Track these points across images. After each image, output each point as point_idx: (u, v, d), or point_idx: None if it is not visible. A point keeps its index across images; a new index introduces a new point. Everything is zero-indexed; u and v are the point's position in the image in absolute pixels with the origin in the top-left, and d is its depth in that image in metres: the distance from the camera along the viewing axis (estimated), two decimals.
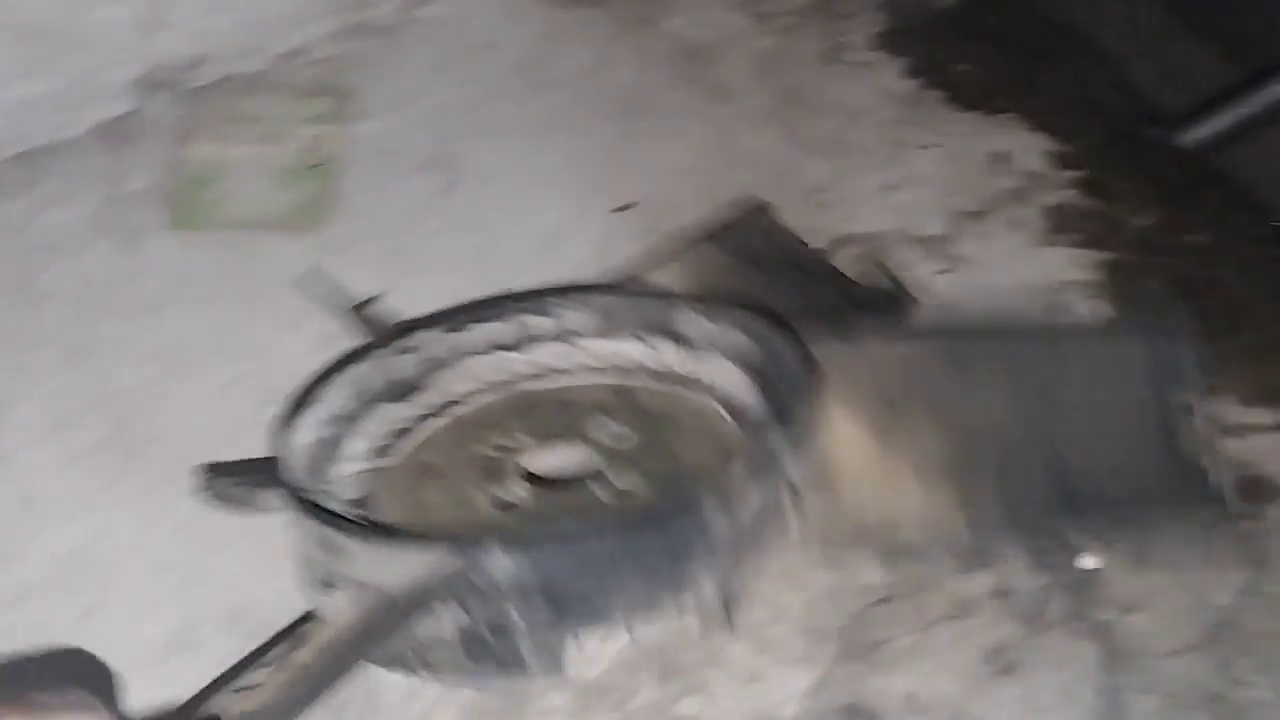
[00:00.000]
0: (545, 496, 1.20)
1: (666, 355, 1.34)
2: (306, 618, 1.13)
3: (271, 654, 1.08)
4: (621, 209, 1.56)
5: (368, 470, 1.26)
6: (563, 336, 1.36)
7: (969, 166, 1.61)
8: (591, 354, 1.36)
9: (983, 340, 1.32)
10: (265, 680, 0.99)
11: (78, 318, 1.47)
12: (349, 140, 1.63)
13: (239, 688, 1.04)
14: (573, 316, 1.35)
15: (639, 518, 1.12)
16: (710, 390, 1.31)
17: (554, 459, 1.26)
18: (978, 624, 1.23)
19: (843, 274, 1.49)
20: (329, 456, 1.24)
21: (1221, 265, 1.49)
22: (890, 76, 1.77)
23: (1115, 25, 1.70)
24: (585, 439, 1.27)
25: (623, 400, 1.33)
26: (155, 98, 1.64)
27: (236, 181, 1.58)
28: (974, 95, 1.71)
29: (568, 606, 1.01)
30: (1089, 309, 1.45)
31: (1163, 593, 1.24)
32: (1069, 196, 1.56)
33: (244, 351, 1.43)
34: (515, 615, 1.00)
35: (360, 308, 1.43)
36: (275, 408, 1.27)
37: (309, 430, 1.23)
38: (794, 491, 1.13)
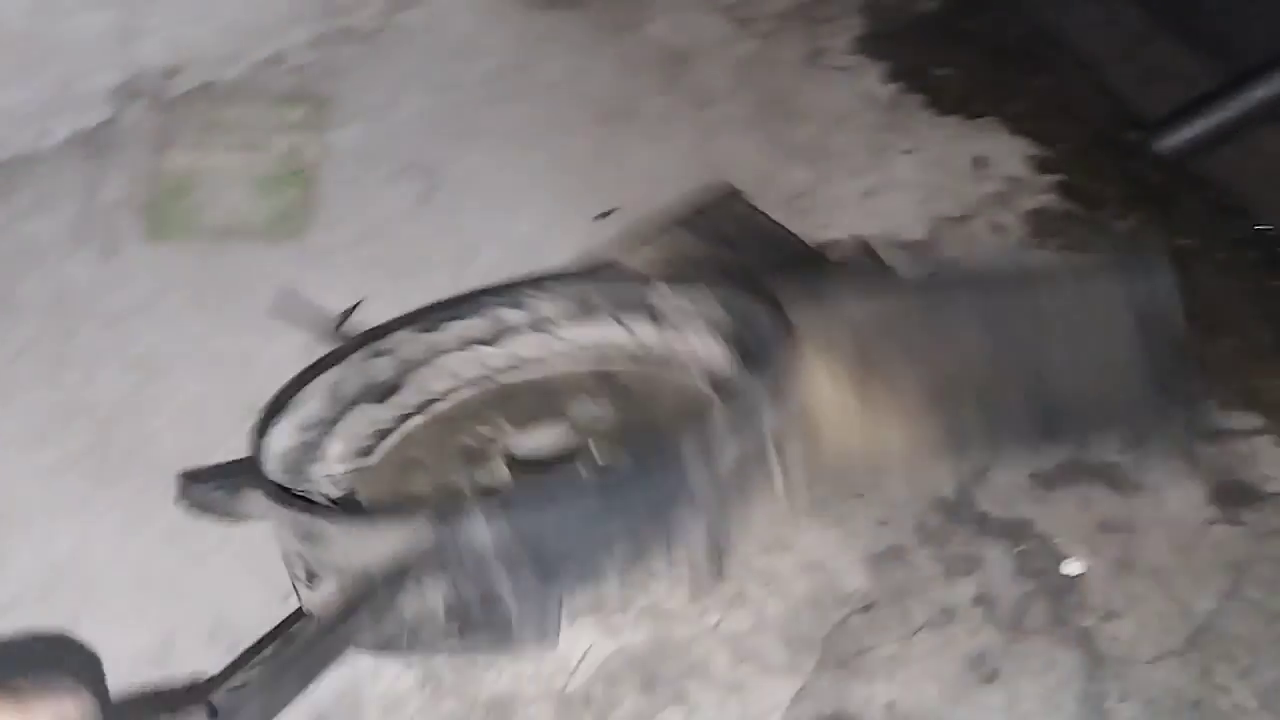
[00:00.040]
0: (528, 477, 1.20)
1: (644, 334, 1.33)
2: (297, 615, 1.12)
3: (262, 653, 1.08)
4: (603, 215, 1.56)
5: (350, 470, 1.26)
6: (538, 326, 1.36)
7: (950, 171, 1.61)
8: (569, 341, 1.36)
9: (958, 289, 1.32)
10: (254, 672, 0.97)
11: (56, 328, 1.46)
12: (328, 147, 1.63)
13: (230, 687, 1.04)
14: (547, 306, 1.35)
15: (618, 470, 1.11)
16: (690, 366, 1.30)
17: (535, 441, 1.26)
18: (960, 631, 1.23)
19: (819, 251, 1.48)
20: (309, 459, 1.24)
21: (1202, 269, 1.49)
22: (871, 81, 1.77)
23: (1095, 29, 1.70)
24: (566, 420, 1.27)
25: (604, 383, 1.33)
26: (132, 106, 1.63)
27: (215, 190, 1.58)
28: (954, 99, 1.71)
29: (555, 570, 1.00)
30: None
31: (1144, 598, 1.24)
32: (1049, 201, 1.56)
33: (223, 361, 1.42)
34: (502, 583, 0.99)
35: (341, 318, 1.43)
36: (255, 417, 1.26)
37: (287, 435, 1.23)
38: (775, 440, 1.12)
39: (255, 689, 0.92)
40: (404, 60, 1.74)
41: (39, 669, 1.02)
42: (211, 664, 1.14)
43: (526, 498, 1.04)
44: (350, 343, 1.32)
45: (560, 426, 1.27)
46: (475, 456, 1.23)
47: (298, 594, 1.12)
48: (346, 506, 1.19)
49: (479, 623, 1.00)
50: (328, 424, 1.27)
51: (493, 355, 1.35)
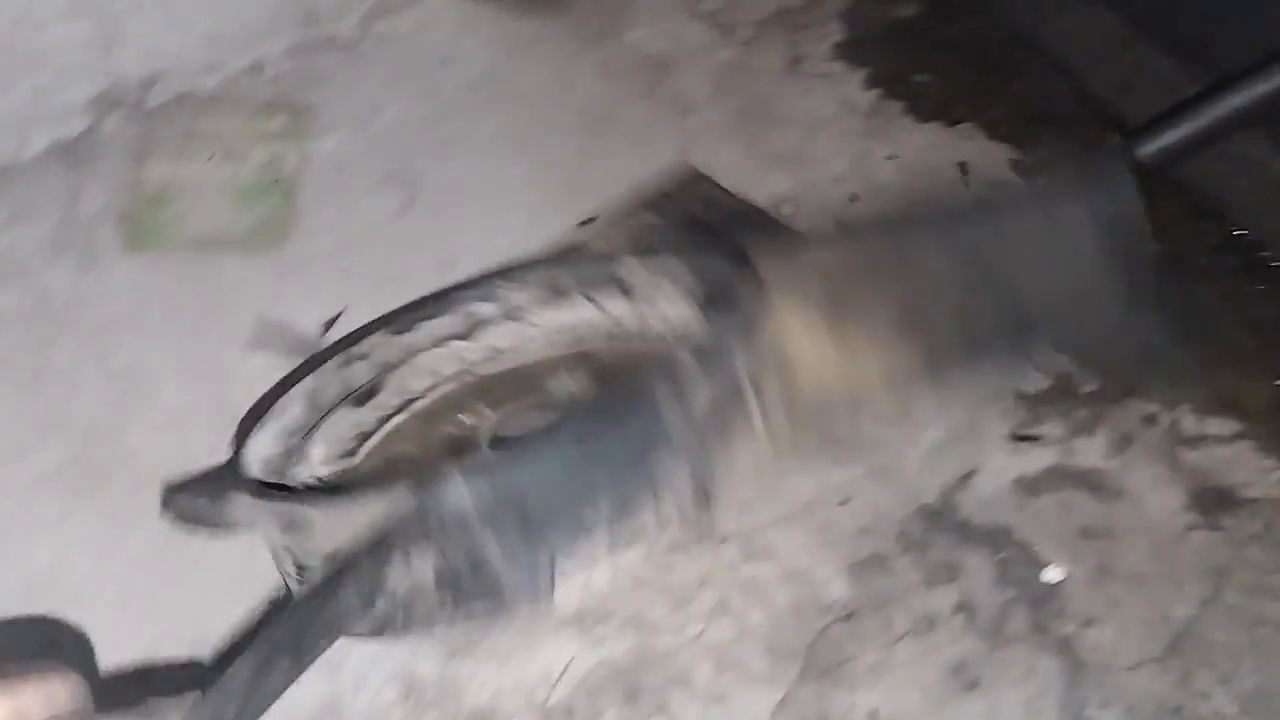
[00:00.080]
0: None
1: (617, 310, 1.33)
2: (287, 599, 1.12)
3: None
4: (585, 223, 1.56)
5: (334, 472, 1.26)
6: (511, 315, 1.35)
7: (932, 177, 1.61)
8: (543, 326, 1.36)
9: (923, 225, 1.33)
10: (244, 656, 0.97)
11: (35, 340, 1.46)
12: (307, 157, 1.62)
13: (220, 672, 1.03)
14: (517, 295, 1.35)
15: (590, 413, 1.10)
16: (666, 334, 1.31)
17: (518, 422, 1.26)
18: (941, 639, 1.23)
19: (787, 223, 1.49)
20: (291, 463, 1.24)
21: (1180, 275, 1.50)
22: (851, 87, 1.77)
23: (1074, 34, 1.71)
24: (547, 399, 1.27)
25: (583, 362, 1.33)
26: (112, 116, 1.63)
27: (194, 201, 1.57)
28: (935, 105, 1.71)
29: (541, 527, 1.00)
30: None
31: (1124, 605, 1.25)
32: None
33: (204, 372, 1.42)
34: (488, 545, 0.98)
35: (323, 329, 1.43)
36: (235, 427, 1.27)
37: (268, 443, 1.23)
38: (750, 380, 1.12)
39: (246, 673, 0.92)
40: (384, 69, 1.73)
41: (26, 653, 1.02)
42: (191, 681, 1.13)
43: (503, 455, 1.03)
44: (325, 351, 1.31)
45: (542, 406, 1.27)
46: (459, 444, 1.23)
47: (290, 591, 1.12)
48: (327, 490, 1.19)
49: (471, 590, 1.00)
50: (308, 429, 1.27)
51: (469, 349, 1.35)
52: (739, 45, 1.82)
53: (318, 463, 1.25)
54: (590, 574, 1.05)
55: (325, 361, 1.29)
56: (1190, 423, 1.38)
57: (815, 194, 1.61)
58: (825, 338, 1.21)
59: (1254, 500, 1.31)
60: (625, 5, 1.80)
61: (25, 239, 1.54)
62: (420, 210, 1.58)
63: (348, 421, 1.29)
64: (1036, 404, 1.40)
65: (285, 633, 0.96)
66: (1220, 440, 1.36)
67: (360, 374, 1.30)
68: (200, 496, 1.21)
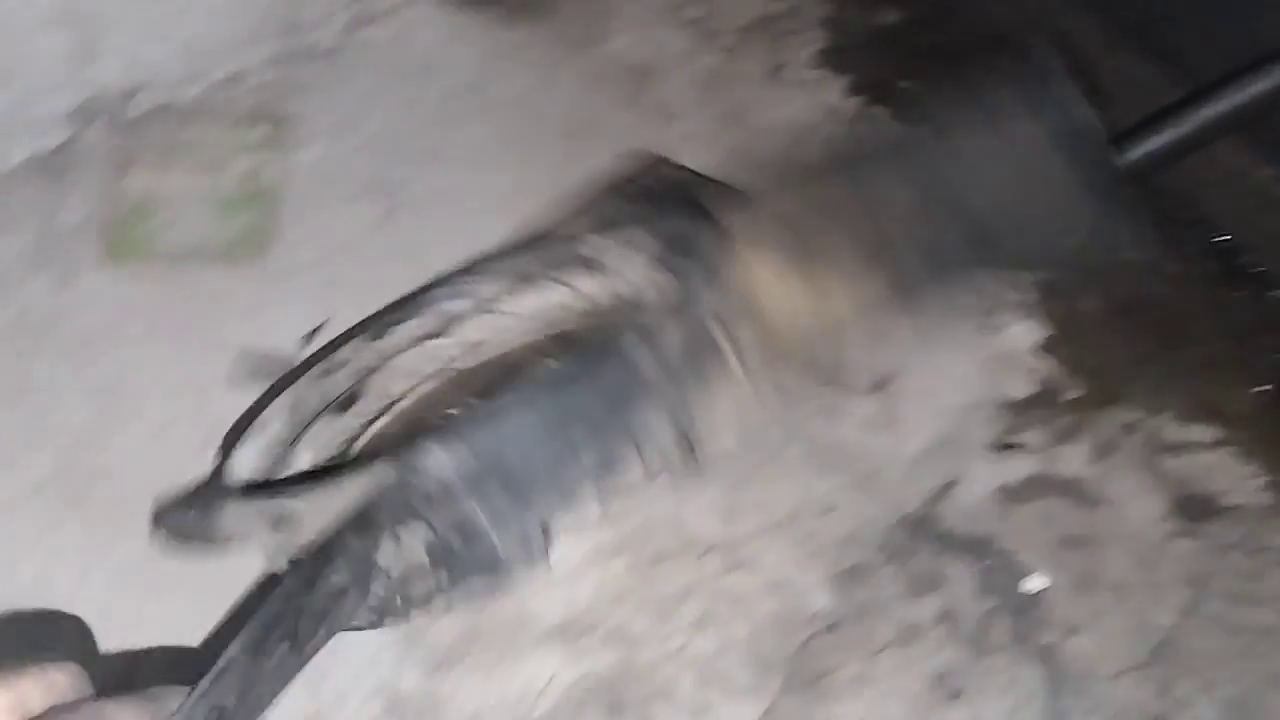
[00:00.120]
0: None
1: (586, 288, 1.33)
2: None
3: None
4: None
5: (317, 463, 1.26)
6: (483, 309, 1.35)
7: None
8: (516, 314, 1.35)
9: (878, 157, 1.33)
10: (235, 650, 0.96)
11: (13, 356, 1.44)
12: (289, 168, 1.62)
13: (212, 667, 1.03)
14: (486, 288, 1.34)
15: (563, 372, 1.10)
16: (639, 307, 1.31)
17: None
18: (924, 649, 1.24)
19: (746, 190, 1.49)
20: (278, 474, 1.24)
21: (1159, 282, 1.50)
22: (833, 94, 1.77)
23: (1055, 40, 1.70)
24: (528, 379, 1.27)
25: (562, 344, 1.32)
26: (91, 128, 1.62)
27: (175, 212, 1.56)
28: (918, 113, 1.71)
29: (527, 488, 1.00)
30: None
31: (1105, 614, 1.25)
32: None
33: (185, 386, 1.41)
34: (475, 511, 0.98)
35: (305, 340, 1.42)
36: (218, 442, 1.26)
37: (253, 457, 1.22)
38: (721, 322, 1.12)
39: (241, 657, 0.92)
40: (365, 78, 1.73)
41: (25, 646, 1.02)
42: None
43: (479, 418, 1.03)
44: (302, 364, 1.31)
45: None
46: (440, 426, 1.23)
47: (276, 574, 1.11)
48: (309, 476, 1.19)
49: (466, 561, 1.00)
50: (293, 440, 1.27)
51: (446, 346, 1.34)
52: (721, 52, 1.82)
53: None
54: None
55: (303, 374, 1.28)
56: (1171, 430, 1.39)
57: None
58: (792, 277, 1.21)
59: (1234, 508, 1.32)
60: (607, 13, 1.80)
61: (4, 252, 1.52)
62: (402, 220, 1.58)
63: (331, 429, 1.29)
64: (1018, 412, 1.41)
65: (277, 615, 0.95)
66: (1201, 447, 1.37)
67: (339, 382, 1.30)
68: (189, 513, 1.20)
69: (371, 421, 1.31)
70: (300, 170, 1.62)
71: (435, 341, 1.34)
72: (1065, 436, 1.38)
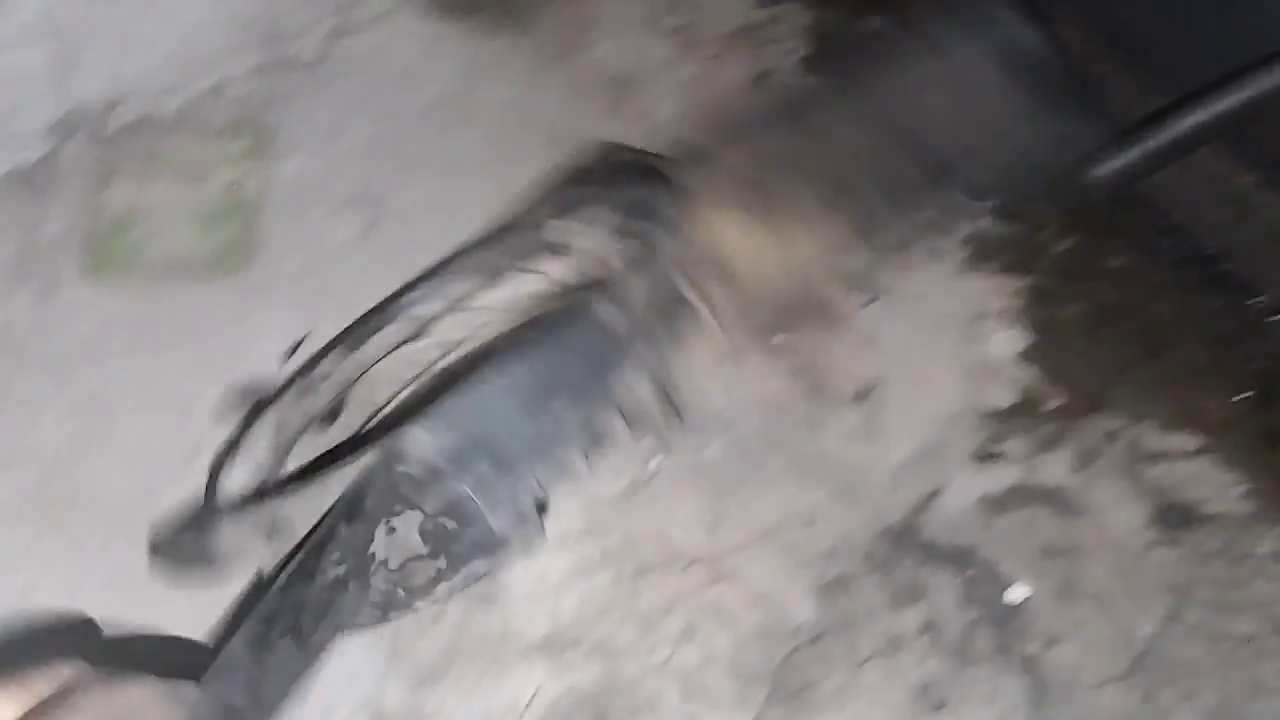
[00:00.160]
0: None
1: (555, 272, 1.33)
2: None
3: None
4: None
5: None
6: (456, 308, 1.35)
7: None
8: (489, 309, 1.36)
9: (826, 98, 1.34)
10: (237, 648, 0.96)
11: None
12: (271, 180, 1.61)
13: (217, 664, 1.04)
14: (455, 287, 1.35)
15: (534, 337, 1.10)
16: (606, 273, 1.31)
17: None
18: (907, 660, 1.24)
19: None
20: (272, 495, 1.24)
21: (1140, 290, 1.51)
22: None
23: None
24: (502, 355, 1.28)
25: (535, 324, 1.33)
26: (71, 141, 1.61)
27: (156, 225, 1.56)
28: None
29: (514, 461, 1.00)
30: None
31: (1087, 623, 1.26)
32: (988, 224, 1.56)
33: (167, 402, 1.41)
34: (467, 492, 0.98)
35: (287, 354, 1.42)
36: (201, 460, 1.26)
37: (242, 479, 1.22)
38: (689, 276, 1.13)
39: (243, 653, 0.92)
40: (346, 89, 1.72)
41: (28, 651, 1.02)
42: None
43: (459, 398, 1.03)
44: (282, 384, 1.31)
45: None
46: None
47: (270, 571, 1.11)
48: (297, 477, 1.19)
49: (463, 544, 1.00)
50: (280, 458, 1.27)
51: (423, 349, 1.35)
52: (703, 61, 1.82)
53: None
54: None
55: (285, 393, 1.28)
56: (1152, 438, 1.39)
57: None
58: (755, 228, 1.23)
59: (1215, 516, 1.33)
60: (588, 23, 1.80)
61: None
62: (384, 232, 1.57)
63: (317, 444, 1.29)
64: (1001, 421, 1.41)
65: (275, 611, 0.95)
66: (1181, 456, 1.38)
67: (321, 397, 1.30)
68: (184, 540, 1.20)
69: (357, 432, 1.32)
70: (282, 182, 1.61)
71: (413, 345, 1.35)
72: (1047, 445, 1.39)
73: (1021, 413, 1.42)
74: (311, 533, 1.04)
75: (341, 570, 0.98)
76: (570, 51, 1.78)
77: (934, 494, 1.35)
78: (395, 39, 1.79)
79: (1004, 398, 1.43)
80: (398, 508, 0.98)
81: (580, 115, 1.74)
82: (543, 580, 1.26)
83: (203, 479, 1.33)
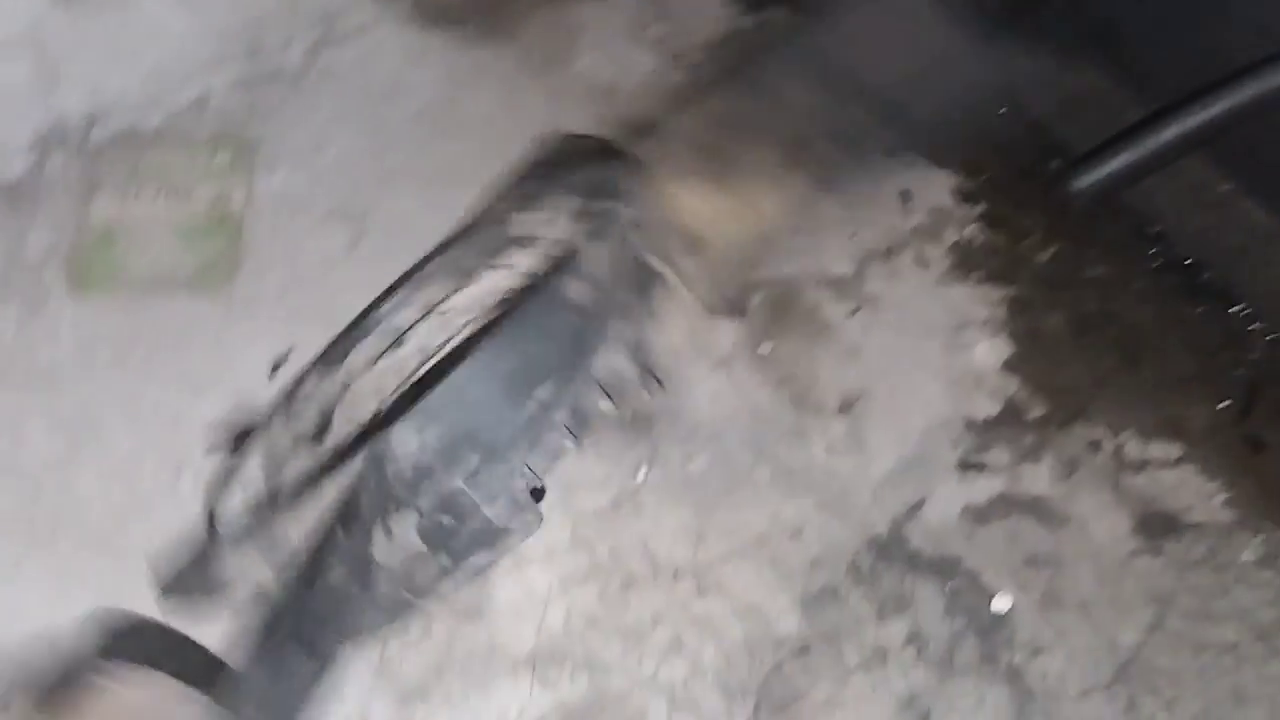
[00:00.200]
0: None
1: (525, 264, 1.34)
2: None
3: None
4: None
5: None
6: (430, 312, 1.36)
7: (875, 205, 1.62)
8: (463, 309, 1.36)
9: (770, 58, 1.35)
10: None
11: None
12: (254, 193, 1.61)
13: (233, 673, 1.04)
14: (427, 293, 1.35)
15: (505, 326, 1.10)
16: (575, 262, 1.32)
17: None
18: (893, 672, 1.25)
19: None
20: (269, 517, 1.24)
21: (1121, 299, 1.52)
22: None
23: (1014, 60, 1.71)
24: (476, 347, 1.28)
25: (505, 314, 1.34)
26: (54, 156, 1.61)
27: (141, 240, 1.56)
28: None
29: (503, 450, 1.00)
30: None
31: (1071, 633, 1.27)
32: (972, 232, 1.57)
33: (153, 417, 1.41)
34: (459, 485, 0.99)
35: (272, 369, 1.43)
36: (188, 474, 1.27)
37: (239, 505, 1.22)
38: (653, 247, 1.13)
39: (262, 675, 0.92)
40: (330, 101, 1.72)
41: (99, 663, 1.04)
42: None
43: (439, 393, 1.03)
44: (269, 410, 1.31)
45: None
46: None
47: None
48: (290, 493, 1.19)
49: (463, 538, 1.00)
50: (275, 480, 1.27)
51: (404, 358, 1.35)
52: (687, 70, 1.82)
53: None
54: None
55: (272, 418, 1.28)
56: (1134, 447, 1.40)
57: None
58: (715, 191, 1.23)
59: (1197, 525, 1.34)
60: (572, 34, 1.80)
61: None
62: (368, 245, 1.57)
63: (310, 462, 1.29)
64: (984, 431, 1.42)
65: (283, 622, 0.96)
66: (1163, 465, 1.39)
67: (308, 419, 1.30)
68: (189, 573, 1.21)
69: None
70: (265, 195, 1.61)
71: (392, 355, 1.35)
72: (1030, 455, 1.40)
73: (1004, 423, 1.43)
74: (310, 544, 1.04)
75: (343, 578, 0.98)
76: (553, 62, 1.78)
77: (918, 504, 1.36)
78: (378, 50, 1.79)
79: (987, 408, 1.43)
80: (392, 509, 0.98)
81: (564, 126, 1.74)
82: (529, 594, 1.27)
83: (190, 492, 1.33)
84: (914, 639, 1.27)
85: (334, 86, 1.74)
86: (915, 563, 1.32)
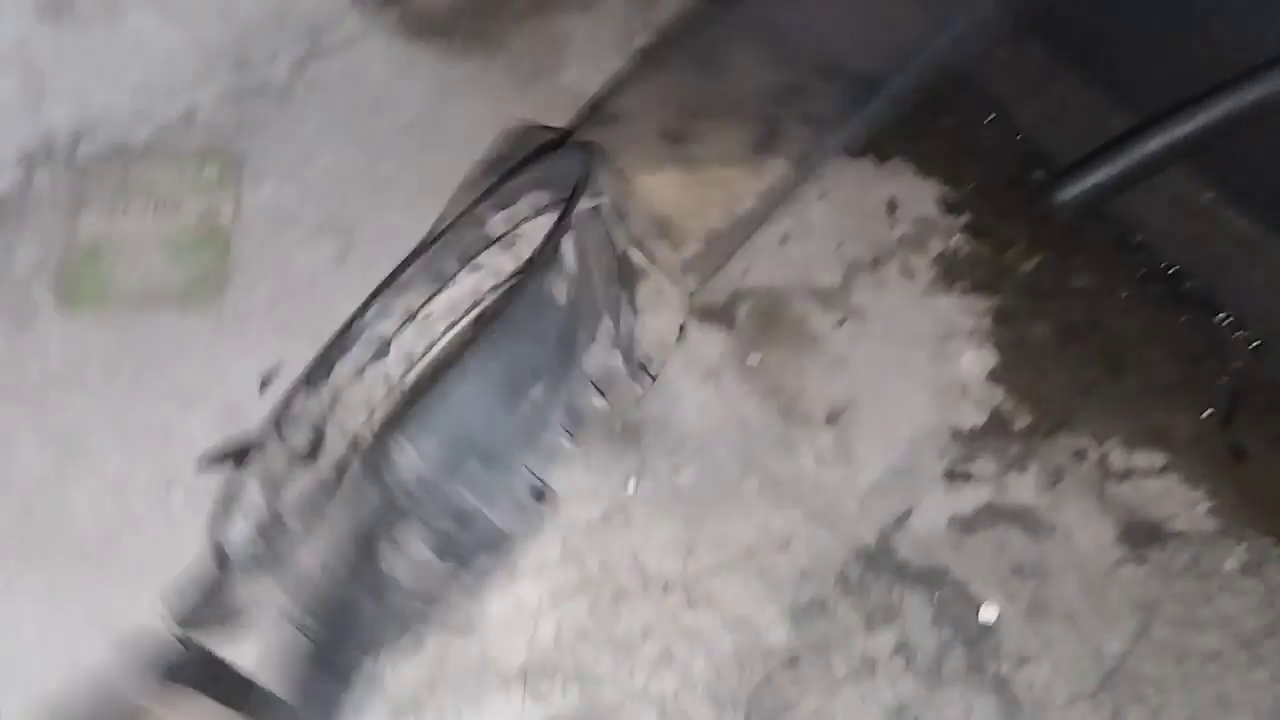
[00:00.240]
0: None
1: (502, 264, 1.35)
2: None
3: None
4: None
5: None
6: (412, 318, 1.36)
7: (863, 214, 1.63)
8: (444, 313, 1.37)
9: (716, 30, 1.35)
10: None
11: None
12: (243, 207, 1.61)
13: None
14: (407, 300, 1.36)
15: (491, 331, 1.11)
16: (553, 260, 1.33)
17: None
18: (881, 682, 1.26)
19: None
20: (274, 537, 1.24)
21: (1106, 308, 1.53)
22: None
23: (1000, 68, 1.73)
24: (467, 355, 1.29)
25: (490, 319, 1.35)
26: (42, 171, 1.61)
27: (129, 255, 1.56)
28: (865, 142, 1.72)
29: (501, 454, 1.01)
30: None
31: (1057, 642, 1.28)
32: (958, 242, 1.59)
33: (143, 433, 1.41)
34: (461, 492, 0.99)
35: (262, 383, 1.43)
36: (179, 488, 1.27)
37: (242, 530, 1.23)
38: (625, 236, 1.14)
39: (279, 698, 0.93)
40: (317, 114, 1.72)
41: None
42: None
43: (434, 403, 1.04)
44: (261, 432, 1.32)
45: None
46: None
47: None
48: (296, 521, 1.20)
49: (469, 544, 1.01)
50: (273, 502, 1.27)
51: (389, 366, 1.36)
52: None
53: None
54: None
55: (265, 440, 1.29)
56: (1118, 456, 1.41)
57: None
58: (683, 175, 1.24)
59: (1181, 533, 1.35)
60: (559, 45, 1.81)
61: None
62: (358, 257, 1.58)
63: (309, 481, 1.30)
64: (970, 441, 1.43)
65: (302, 642, 0.96)
66: (1147, 473, 1.40)
67: (300, 435, 1.31)
68: (204, 609, 1.21)
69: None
70: (253, 210, 1.61)
71: (377, 365, 1.35)
72: (1015, 465, 1.41)
73: (990, 432, 1.44)
74: (320, 564, 1.05)
75: (356, 593, 0.99)
76: (540, 73, 1.79)
77: (905, 515, 1.37)
78: (364, 64, 1.79)
79: (973, 417, 1.45)
80: (398, 522, 0.99)
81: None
82: (520, 608, 1.27)
83: (181, 507, 1.34)
84: (902, 649, 1.28)
85: (322, 99, 1.74)
86: (903, 573, 1.33)
